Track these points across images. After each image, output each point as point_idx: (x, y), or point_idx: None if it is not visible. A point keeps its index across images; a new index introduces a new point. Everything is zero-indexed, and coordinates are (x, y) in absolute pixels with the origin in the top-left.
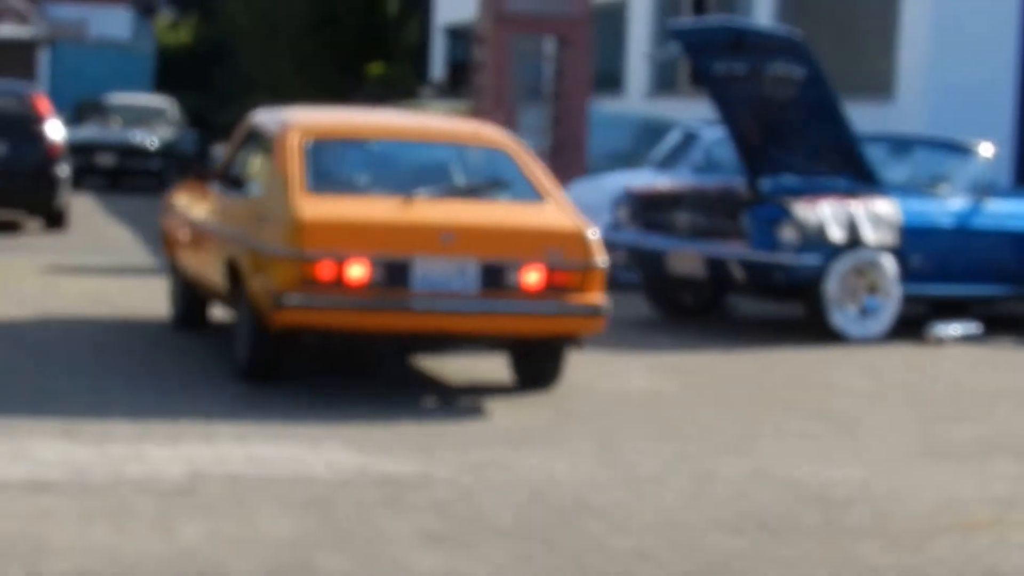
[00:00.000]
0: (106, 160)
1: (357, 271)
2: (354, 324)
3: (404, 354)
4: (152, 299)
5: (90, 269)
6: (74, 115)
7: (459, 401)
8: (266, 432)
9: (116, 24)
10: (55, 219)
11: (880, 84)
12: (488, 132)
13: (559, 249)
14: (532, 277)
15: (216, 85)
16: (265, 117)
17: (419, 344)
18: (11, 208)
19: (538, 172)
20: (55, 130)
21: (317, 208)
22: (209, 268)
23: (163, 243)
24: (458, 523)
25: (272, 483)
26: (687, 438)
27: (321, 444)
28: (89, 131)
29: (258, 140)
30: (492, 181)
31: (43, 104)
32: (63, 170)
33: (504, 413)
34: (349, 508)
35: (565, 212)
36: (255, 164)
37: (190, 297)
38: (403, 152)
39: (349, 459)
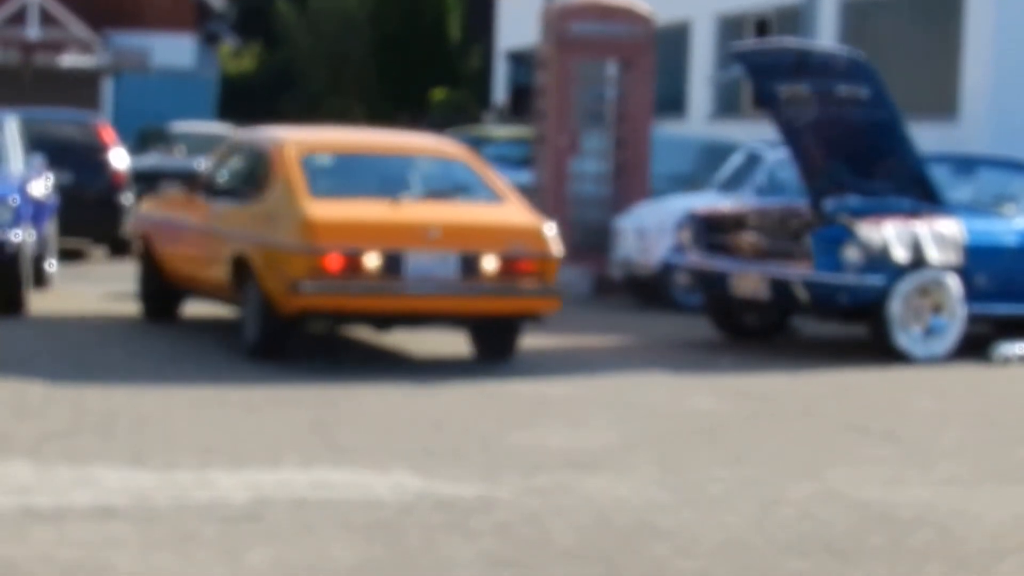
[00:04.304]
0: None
1: (361, 261)
2: (357, 307)
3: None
4: (216, 327)
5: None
6: (138, 143)
7: (521, 423)
8: (330, 456)
9: (179, 52)
10: (119, 247)
11: (944, 104)
12: (448, 146)
13: (521, 242)
14: (500, 265)
15: (281, 112)
16: (253, 135)
17: (408, 322)
18: (76, 236)
19: (494, 178)
20: (119, 159)
21: (324, 210)
22: (206, 266)
23: (134, 247)
24: (522, 546)
25: (337, 507)
26: (752, 460)
27: (385, 468)
28: (153, 159)
29: (248, 154)
30: (460, 186)
31: (107, 133)
32: (127, 198)
33: (566, 436)
34: (414, 532)
35: (523, 211)
36: (250, 175)
37: (163, 293)
38: (379, 163)
39: (413, 483)
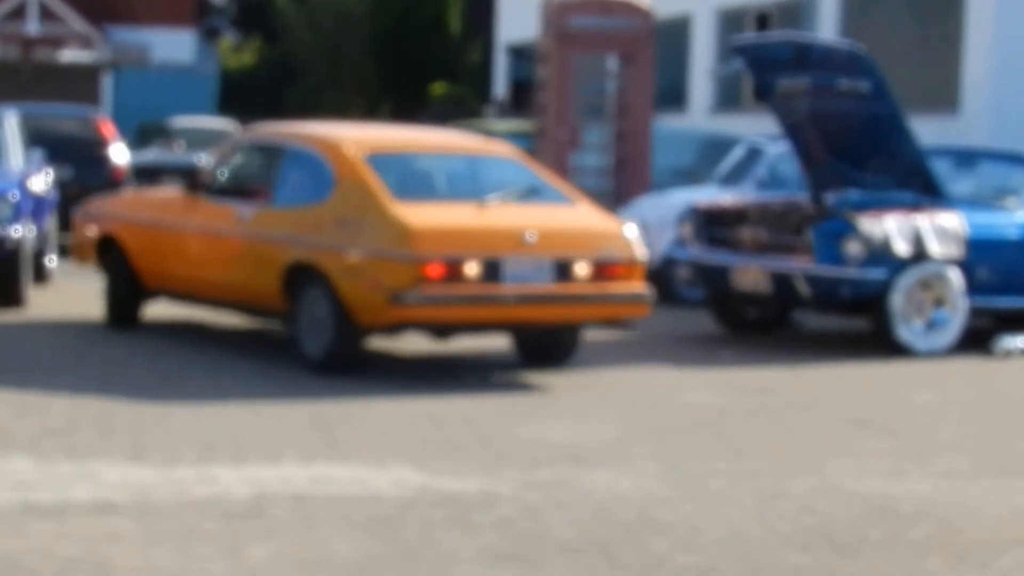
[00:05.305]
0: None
1: (462, 270)
2: (457, 317)
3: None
4: (220, 330)
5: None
6: (138, 138)
7: (521, 418)
8: (330, 452)
9: (179, 47)
10: None
11: (945, 98)
12: (499, 145)
13: (609, 246)
14: (592, 270)
15: (281, 107)
16: (275, 133)
17: (502, 330)
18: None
19: (555, 179)
20: (119, 154)
21: (418, 215)
22: (235, 273)
23: (94, 249)
24: (523, 541)
25: (337, 503)
26: (753, 454)
27: (385, 463)
28: (153, 154)
29: (277, 154)
30: (531, 188)
31: (107, 128)
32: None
33: (567, 430)
34: (414, 527)
35: (600, 214)
36: (291, 176)
37: (129, 298)
38: (437, 163)
39: (413, 478)
